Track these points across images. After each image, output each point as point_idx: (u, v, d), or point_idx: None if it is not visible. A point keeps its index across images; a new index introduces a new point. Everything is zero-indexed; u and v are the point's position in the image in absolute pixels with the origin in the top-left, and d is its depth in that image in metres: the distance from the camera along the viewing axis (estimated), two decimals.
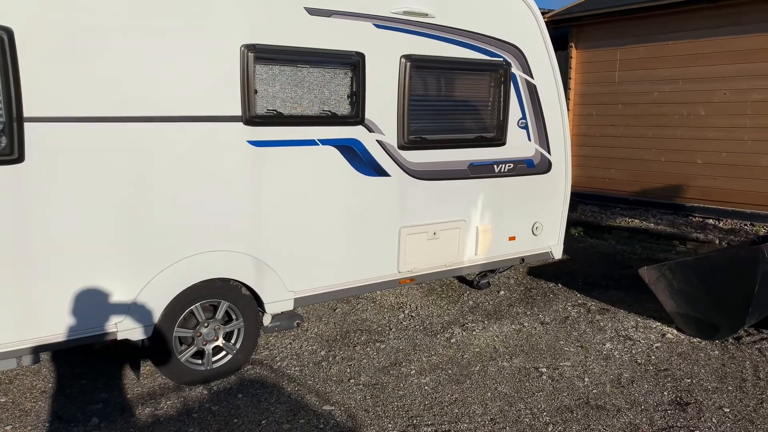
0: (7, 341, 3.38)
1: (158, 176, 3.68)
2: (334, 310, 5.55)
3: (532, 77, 5.24)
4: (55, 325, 3.49)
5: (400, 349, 4.71)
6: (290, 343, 4.79)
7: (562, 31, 9.93)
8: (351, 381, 4.17)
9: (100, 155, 3.48)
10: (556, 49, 5.55)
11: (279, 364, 4.43)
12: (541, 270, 6.83)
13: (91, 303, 3.58)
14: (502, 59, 5.01)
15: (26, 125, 3.24)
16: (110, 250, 3.59)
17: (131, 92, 3.52)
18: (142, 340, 3.85)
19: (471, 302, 5.79)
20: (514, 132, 5.21)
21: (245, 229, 4.05)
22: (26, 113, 3.23)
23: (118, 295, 3.66)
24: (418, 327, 5.16)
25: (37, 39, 3.21)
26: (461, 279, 6.40)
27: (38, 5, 3.20)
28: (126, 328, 3.71)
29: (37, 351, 3.48)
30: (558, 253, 5.80)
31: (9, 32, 3.12)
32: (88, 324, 3.59)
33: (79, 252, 3.50)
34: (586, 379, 4.20)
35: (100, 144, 3.47)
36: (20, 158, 3.25)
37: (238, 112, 3.88)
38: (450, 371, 4.32)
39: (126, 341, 3.78)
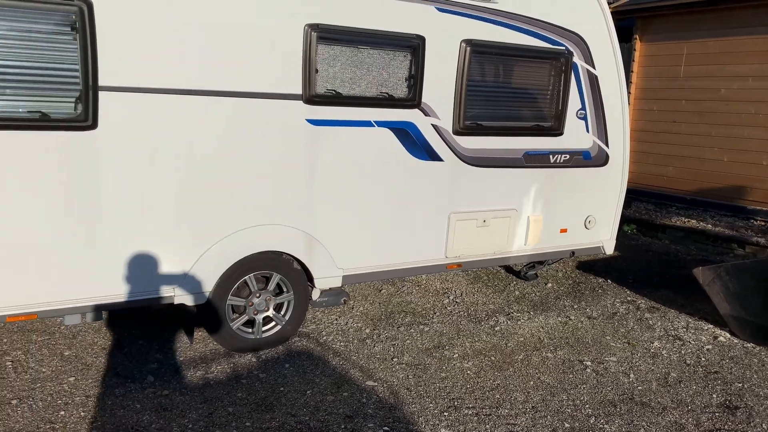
0: (73, 297, 3.58)
1: (220, 149, 3.81)
2: (380, 290, 5.62)
3: (594, 67, 5.14)
4: (118, 285, 3.68)
5: (443, 332, 4.74)
6: (336, 319, 4.90)
7: (627, 23, 9.63)
8: (394, 360, 4.24)
9: (166, 126, 3.63)
10: (619, 41, 5.41)
11: (325, 338, 4.54)
12: (590, 264, 6.72)
13: (152, 267, 3.76)
14: (564, 48, 4.93)
15: (101, 94, 3.41)
16: (172, 218, 3.75)
17: (199, 66, 3.64)
18: (197, 306, 4.01)
19: (517, 292, 5.77)
20: (572, 122, 5.13)
21: (299, 205, 4.15)
22: (101, 83, 3.40)
23: (177, 261, 3.83)
24: (462, 313, 5.19)
25: (114, 11, 3.36)
26: (508, 269, 6.38)
27: None
28: (183, 293, 3.88)
29: (99, 309, 3.68)
30: (610, 249, 5.71)
31: (89, 5, 3.28)
32: (148, 287, 3.77)
33: (143, 217, 3.67)
34: (632, 376, 4.15)
35: (167, 115, 3.62)
36: (94, 125, 3.43)
37: (299, 90, 3.97)
38: (493, 358, 4.34)
39: (182, 306, 3.95)
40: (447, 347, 4.48)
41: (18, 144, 3.28)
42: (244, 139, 3.87)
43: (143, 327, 4.57)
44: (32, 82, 3.27)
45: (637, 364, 4.34)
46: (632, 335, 4.84)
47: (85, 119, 3.40)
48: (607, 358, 4.40)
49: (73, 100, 3.37)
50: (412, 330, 4.77)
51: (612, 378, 4.11)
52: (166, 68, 3.56)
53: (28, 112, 3.29)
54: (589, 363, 4.32)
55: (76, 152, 3.42)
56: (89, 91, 3.37)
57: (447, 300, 5.47)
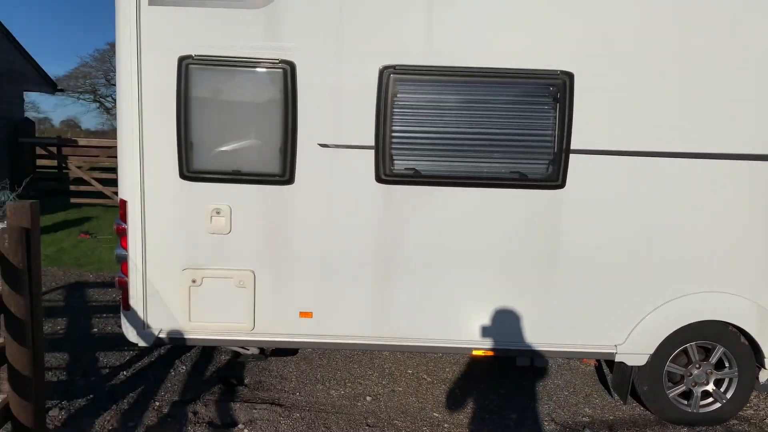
0: (529, 341, 3.88)
1: (670, 209, 3.75)
2: None
3: None
4: (566, 334, 3.87)
5: None
6: None
7: None
8: None
9: (620, 186, 3.74)
10: None
11: None
12: None
13: (598, 321, 3.86)
14: None
15: (571, 156, 3.71)
16: (621, 276, 3.81)
17: (652, 128, 3.67)
18: (635, 367, 3.96)
19: None
20: None
21: (755, 273, 3.80)
22: (573, 146, 3.70)
23: (621, 319, 3.86)
24: None
25: (590, 81, 3.66)
26: None
27: (592, 57, 3.63)
28: (624, 352, 3.88)
29: (542, 355, 3.91)
30: None
31: (571, 77, 3.64)
32: (592, 340, 3.88)
33: (595, 272, 3.81)
34: None
35: (621, 176, 3.73)
36: (562, 184, 3.74)
37: None
38: None
39: (621, 364, 3.96)
40: None
41: (500, 199, 3.77)
42: (696, 199, 3.74)
43: (562, 378, 4.72)
44: (514, 146, 3.75)
45: None
46: None
47: (556, 179, 3.73)
48: None
49: (546, 162, 3.74)
50: None
51: None
52: (626, 130, 3.68)
53: (510, 172, 3.77)
54: None
55: (546, 208, 3.76)
56: (561, 154, 3.70)
57: None
